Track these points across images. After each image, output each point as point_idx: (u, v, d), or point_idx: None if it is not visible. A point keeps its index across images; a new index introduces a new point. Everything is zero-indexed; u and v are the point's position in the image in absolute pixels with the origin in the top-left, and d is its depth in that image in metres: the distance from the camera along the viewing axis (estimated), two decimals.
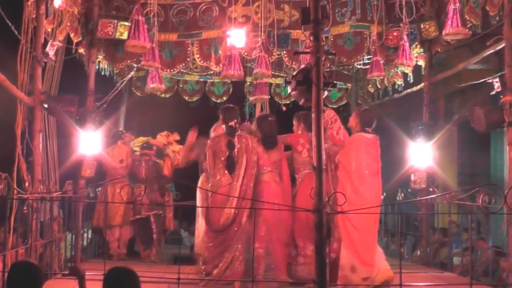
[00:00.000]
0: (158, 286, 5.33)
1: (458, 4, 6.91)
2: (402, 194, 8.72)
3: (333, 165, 6.11)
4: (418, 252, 8.70)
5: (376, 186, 6.03)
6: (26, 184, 6.00)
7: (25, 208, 5.84)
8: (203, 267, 5.97)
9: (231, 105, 6.59)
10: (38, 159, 6.35)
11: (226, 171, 6.01)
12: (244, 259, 5.85)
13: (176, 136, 9.14)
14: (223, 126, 6.22)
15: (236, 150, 6.03)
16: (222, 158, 6.02)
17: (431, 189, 7.90)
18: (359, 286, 5.75)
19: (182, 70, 9.17)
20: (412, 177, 8.06)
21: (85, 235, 8.27)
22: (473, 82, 8.49)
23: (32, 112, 6.41)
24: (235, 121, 6.18)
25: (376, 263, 5.88)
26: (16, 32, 6.00)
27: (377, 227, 6.08)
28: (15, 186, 5.48)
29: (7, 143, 6.11)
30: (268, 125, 6.24)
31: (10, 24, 5.86)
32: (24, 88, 6.18)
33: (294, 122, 6.51)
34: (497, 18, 6.56)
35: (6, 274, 4.98)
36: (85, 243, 8.25)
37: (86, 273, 3.68)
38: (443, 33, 7.17)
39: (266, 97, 9.29)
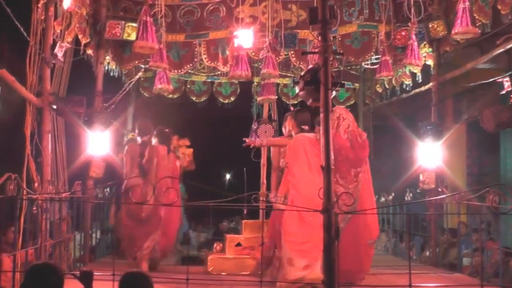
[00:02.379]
0: (166, 286, 5.34)
1: (467, 3, 6.87)
2: (411, 194, 8.68)
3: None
4: (427, 253, 8.67)
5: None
6: (36, 184, 6.03)
7: (34, 208, 5.86)
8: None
9: (146, 121, 7.69)
10: (47, 160, 6.37)
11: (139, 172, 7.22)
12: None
13: (187, 142, 9.28)
14: (138, 138, 7.52)
15: (145, 159, 7.18)
16: (137, 163, 7.21)
17: (440, 189, 7.87)
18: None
19: (189, 70, 9.17)
20: (421, 177, 8.03)
21: (94, 235, 8.30)
22: (482, 82, 8.44)
23: (41, 113, 6.44)
24: (148, 136, 7.38)
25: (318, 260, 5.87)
26: (25, 34, 6.03)
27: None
28: (24, 187, 5.50)
29: (17, 144, 6.15)
30: (167, 136, 7.51)
31: (19, 25, 5.89)
32: (33, 89, 6.20)
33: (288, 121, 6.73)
34: (510, 16, 6.52)
35: (17, 274, 5.05)
36: (93, 243, 8.28)
37: (96, 273, 3.70)
38: (452, 32, 7.13)
39: (274, 97, 9.27)
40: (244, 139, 7.11)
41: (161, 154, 7.26)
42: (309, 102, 6.22)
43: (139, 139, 7.51)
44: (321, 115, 3.87)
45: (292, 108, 10.22)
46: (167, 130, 7.58)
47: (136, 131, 7.61)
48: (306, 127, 6.40)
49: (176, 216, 7.55)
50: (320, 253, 5.92)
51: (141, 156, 7.25)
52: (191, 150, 9.48)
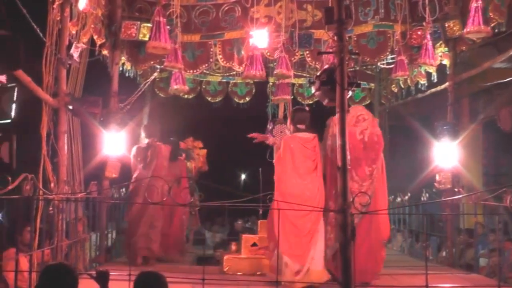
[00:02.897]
0: (182, 286, 5.34)
1: (480, 2, 6.81)
2: (427, 194, 8.62)
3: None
4: (444, 253, 8.59)
5: (314, 184, 6.16)
6: (52, 185, 6.07)
7: (50, 208, 5.90)
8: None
9: (152, 123, 8.34)
10: (63, 160, 6.41)
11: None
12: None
13: (200, 144, 9.34)
14: (144, 137, 7.84)
15: (148, 159, 7.40)
16: (141, 165, 7.44)
17: (456, 190, 7.80)
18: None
19: (204, 71, 9.18)
20: (437, 177, 7.97)
21: (110, 235, 8.33)
22: (499, 81, 8.37)
23: (57, 113, 6.49)
24: (153, 138, 7.64)
25: (310, 259, 5.98)
26: (41, 35, 6.08)
27: (318, 226, 6.13)
28: (40, 187, 5.54)
29: (33, 144, 6.19)
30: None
31: (35, 26, 5.94)
32: (49, 90, 6.26)
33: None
34: None
35: (33, 274, 5.08)
36: (109, 243, 8.31)
37: (111, 274, 3.71)
38: (465, 31, 7.07)
39: (289, 97, 9.24)
40: (249, 135, 7.08)
41: (162, 154, 7.52)
42: (325, 102, 6.18)
43: (145, 141, 7.72)
44: (337, 116, 3.85)
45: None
46: (172, 138, 8.35)
47: (143, 133, 7.91)
48: (303, 126, 6.41)
49: (177, 216, 7.91)
50: (308, 256, 6.00)
51: (145, 157, 7.45)
52: (205, 151, 9.53)
